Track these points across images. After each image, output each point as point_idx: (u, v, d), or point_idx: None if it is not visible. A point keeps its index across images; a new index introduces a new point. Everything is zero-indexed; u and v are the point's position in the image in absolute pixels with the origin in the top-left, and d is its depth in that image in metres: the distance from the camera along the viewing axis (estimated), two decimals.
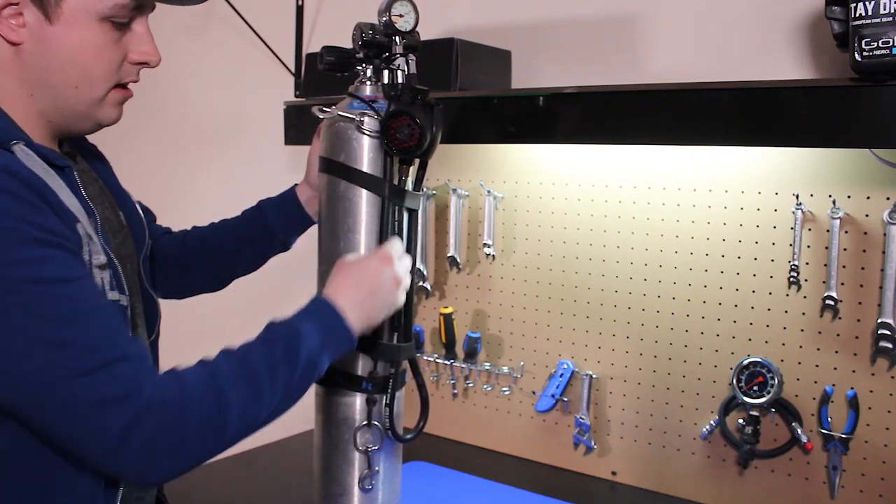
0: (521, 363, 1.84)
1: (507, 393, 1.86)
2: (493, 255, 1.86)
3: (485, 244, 1.85)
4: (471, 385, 1.92)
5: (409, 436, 1.27)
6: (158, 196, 1.35)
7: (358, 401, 1.22)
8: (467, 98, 1.57)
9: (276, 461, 1.80)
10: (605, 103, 1.40)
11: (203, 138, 2.55)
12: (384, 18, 1.19)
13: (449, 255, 1.91)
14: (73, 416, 0.83)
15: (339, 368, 1.18)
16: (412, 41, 1.22)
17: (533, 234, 1.80)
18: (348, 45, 1.23)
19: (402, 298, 1.17)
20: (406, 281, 1.17)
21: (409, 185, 1.27)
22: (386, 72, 1.22)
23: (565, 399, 1.77)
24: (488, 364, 1.88)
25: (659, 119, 1.35)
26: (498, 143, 1.76)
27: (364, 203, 1.21)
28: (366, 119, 1.19)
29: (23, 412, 0.86)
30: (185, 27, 2.43)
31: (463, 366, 1.91)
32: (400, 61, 1.21)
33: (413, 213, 1.26)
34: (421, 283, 1.95)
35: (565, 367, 1.76)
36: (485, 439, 1.91)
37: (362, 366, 1.22)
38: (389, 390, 1.22)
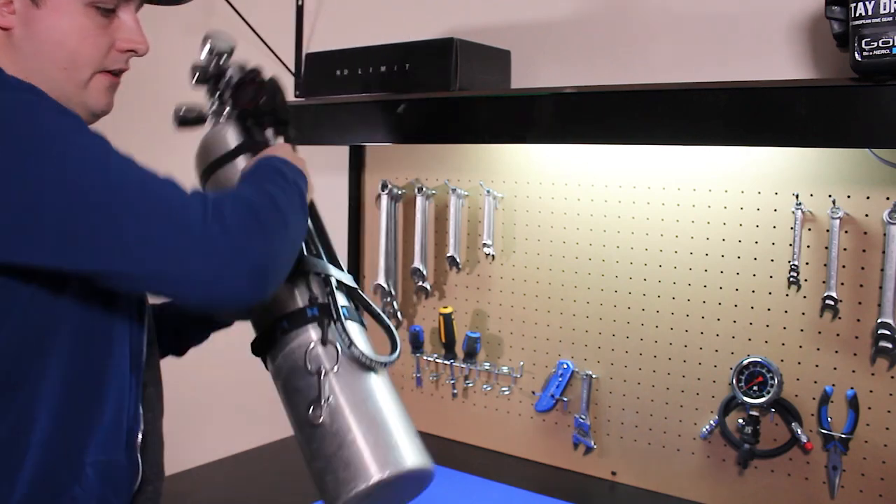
0: (521, 363, 1.84)
1: (507, 393, 1.86)
2: (493, 255, 1.86)
3: (484, 244, 1.85)
4: (470, 385, 1.92)
5: (381, 359, 1.11)
6: None
7: (304, 345, 1.12)
8: (467, 98, 1.57)
9: (275, 461, 1.80)
10: (605, 103, 1.40)
11: None
12: (213, 61, 1.22)
13: (448, 255, 1.91)
14: (157, 217, 0.89)
15: (280, 315, 1.13)
16: (229, 51, 1.26)
17: (533, 234, 1.80)
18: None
19: None
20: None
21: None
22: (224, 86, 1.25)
23: (565, 399, 1.77)
24: (488, 364, 1.88)
25: (659, 119, 1.34)
26: (497, 143, 1.76)
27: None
28: (214, 109, 1.22)
29: (88, 249, 0.87)
30: (185, 27, 2.43)
31: (463, 366, 1.91)
32: (232, 70, 1.25)
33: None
34: (421, 283, 1.95)
35: (565, 367, 1.76)
36: (485, 439, 1.91)
37: (300, 299, 1.14)
38: (335, 314, 1.12)
